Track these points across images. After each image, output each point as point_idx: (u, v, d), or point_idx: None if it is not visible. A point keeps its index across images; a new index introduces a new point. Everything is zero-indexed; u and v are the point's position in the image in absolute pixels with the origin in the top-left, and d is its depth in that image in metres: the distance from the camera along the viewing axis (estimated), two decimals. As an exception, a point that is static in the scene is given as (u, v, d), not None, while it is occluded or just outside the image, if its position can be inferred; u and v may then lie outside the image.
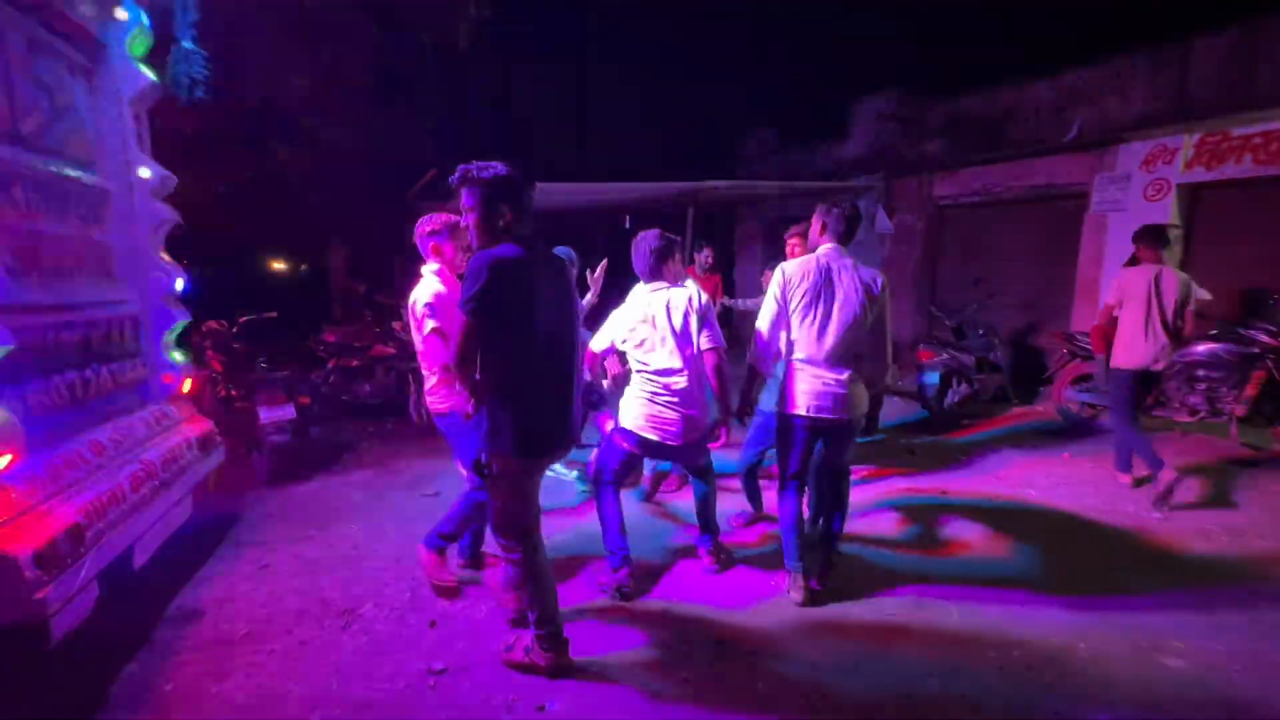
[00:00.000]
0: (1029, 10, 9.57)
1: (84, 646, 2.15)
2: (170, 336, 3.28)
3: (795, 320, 2.60)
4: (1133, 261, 4.11)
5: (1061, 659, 2.32)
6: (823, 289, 2.56)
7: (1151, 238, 3.90)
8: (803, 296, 2.57)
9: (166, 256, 3.24)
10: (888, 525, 3.51)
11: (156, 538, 2.70)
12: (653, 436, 2.74)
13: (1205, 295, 4.87)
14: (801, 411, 2.59)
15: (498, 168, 2.01)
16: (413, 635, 2.48)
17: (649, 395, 2.74)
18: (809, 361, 2.59)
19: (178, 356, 3.31)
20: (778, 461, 2.82)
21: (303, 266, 9.62)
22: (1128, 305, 3.85)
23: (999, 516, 3.62)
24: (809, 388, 2.58)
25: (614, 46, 12.54)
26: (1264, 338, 4.54)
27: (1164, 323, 3.75)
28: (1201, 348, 4.80)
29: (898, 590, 2.80)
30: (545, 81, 12.15)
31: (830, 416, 2.58)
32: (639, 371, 2.79)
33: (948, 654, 2.36)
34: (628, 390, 2.85)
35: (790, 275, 2.60)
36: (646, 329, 2.73)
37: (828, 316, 2.55)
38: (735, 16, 12.81)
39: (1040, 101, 7.18)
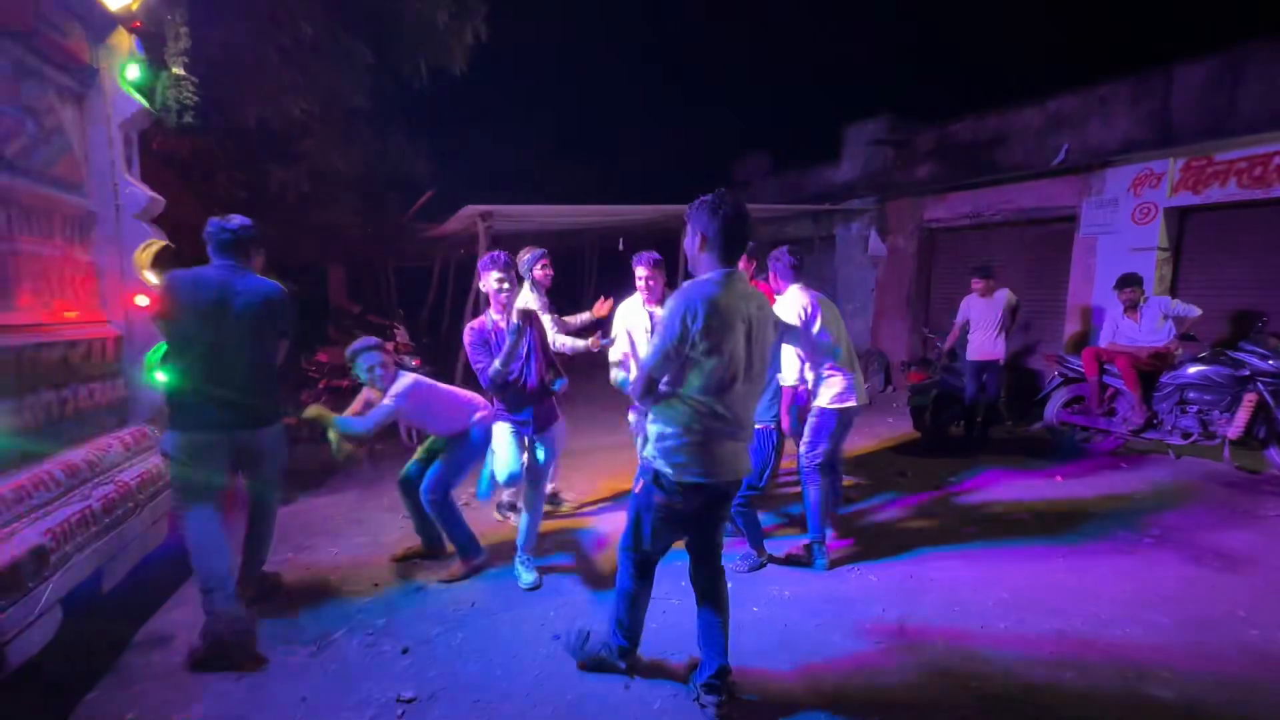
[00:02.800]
0: (1016, 38, 9.77)
1: (44, 674, 2.10)
2: (154, 357, 3.28)
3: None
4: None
5: (1046, 690, 2.26)
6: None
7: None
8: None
9: (152, 277, 3.25)
10: (876, 548, 3.46)
11: (128, 561, 2.66)
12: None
13: (1196, 312, 4.88)
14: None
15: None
16: (384, 662, 2.44)
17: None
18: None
19: (160, 377, 3.30)
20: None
21: (294, 286, 9.67)
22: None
23: (988, 540, 3.57)
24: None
25: (611, 71, 12.78)
26: (1254, 360, 4.53)
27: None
28: (1193, 370, 4.79)
29: (883, 614, 2.76)
30: (541, 105, 12.34)
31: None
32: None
33: (927, 684, 2.30)
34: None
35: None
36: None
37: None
38: (732, 43, 13.08)
39: (1028, 126, 7.28)
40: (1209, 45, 5.86)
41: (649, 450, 2.10)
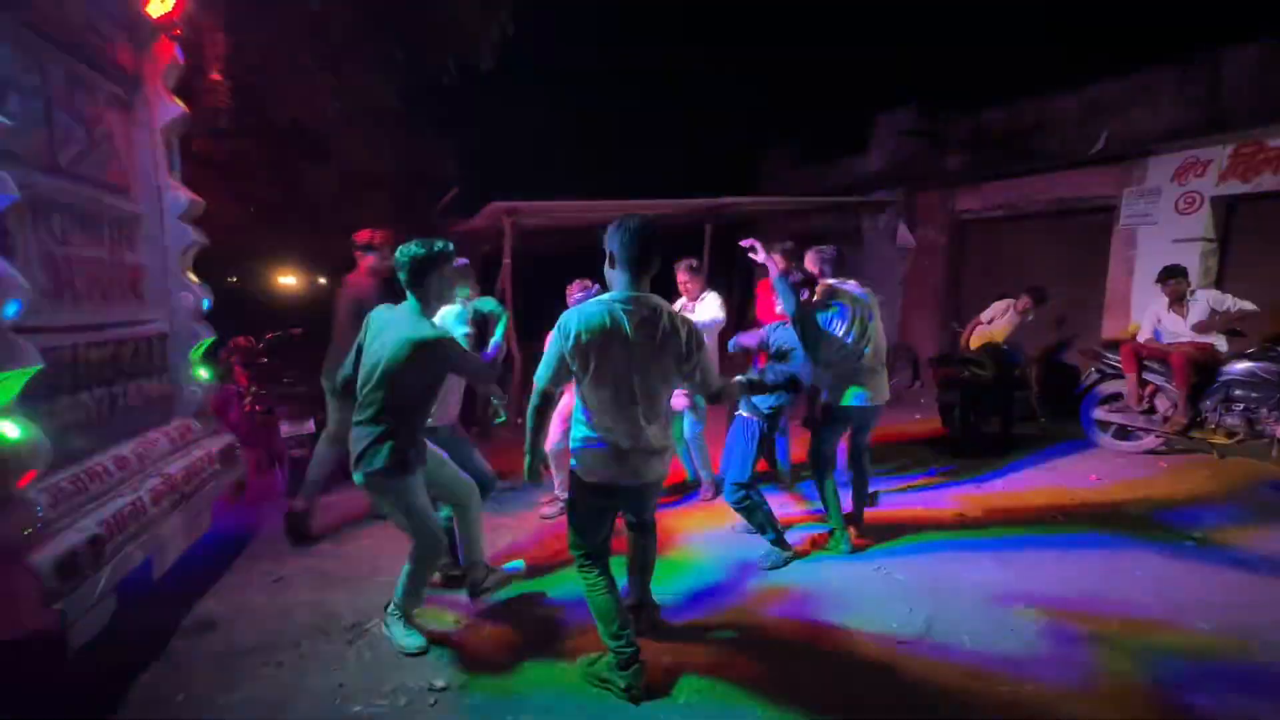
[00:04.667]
0: (1053, 22, 9.44)
1: (100, 657, 2.21)
2: (196, 353, 3.40)
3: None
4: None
5: (1080, 696, 2.22)
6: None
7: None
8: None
9: (193, 277, 3.37)
10: (903, 547, 3.43)
11: (176, 549, 2.78)
12: None
13: (1250, 307, 4.65)
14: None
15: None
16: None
17: None
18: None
19: (203, 373, 3.43)
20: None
21: (320, 280, 9.93)
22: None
23: (1020, 541, 3.51)
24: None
25: (636, 64, 12.73)
26: (1305, 356, 4.33)
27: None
28: (1239, 366, 4.61)
29: (910, 614, 2.74)
30: (566, 100, 12.36)
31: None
32: None
33: (955, 687, 2.28)
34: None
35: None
36: None
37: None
38: (757, 32, 12.90)
39: (1065, 114, 7.06)
40: (1261, 27, 5.59)
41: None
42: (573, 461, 2.24)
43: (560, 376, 2.12)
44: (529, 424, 2.23)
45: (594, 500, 2.24)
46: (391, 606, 2.54)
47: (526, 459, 2.27)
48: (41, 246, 2.36)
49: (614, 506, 2.32)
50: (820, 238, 3.75)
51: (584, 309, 2.08)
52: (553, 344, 2.09)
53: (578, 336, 2.02)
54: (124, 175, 2.98)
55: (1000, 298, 5.88)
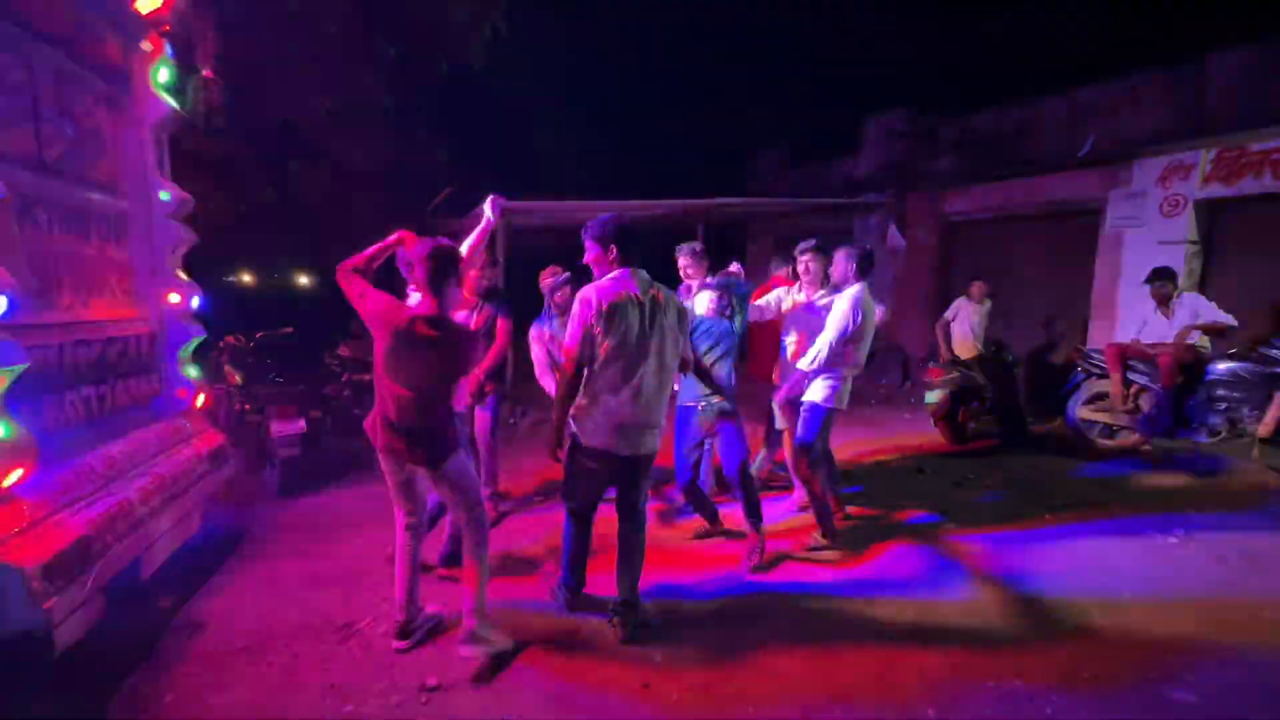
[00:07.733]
0: (1041, 27, 9.55)
1: (88, 657, 2.19)
2: (185, 352, 3.38)
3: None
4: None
5: (1064, 689, 2.26)
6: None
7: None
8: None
9: (183, 275, 3.34)
10: (890, 544, 3.46)
11: (165, 549, 2.76)
12: None
13: (1228, 320, 4.70)
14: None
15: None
16: (409, 650, 2.50)
17: None
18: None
19: (192, 372, 3.41)
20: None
21: (304, 280, 9.85)
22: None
23: (1006, 538, 3.55)
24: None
25: (628, 66, 12.75)
26: (1286, 357, 4.41)
27: None
28: (1221, 366, 4.69)
29: (901, 609, 2.76)
30: (559, 100, 12.36)
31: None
32: None
33: (947, 677, 2.31)
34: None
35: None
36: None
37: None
38: (749, 35, 12.96)
39: (1053, 117, 7.14)
40: (1244, 33, 5.69)
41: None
42: (573, 426, 2.50)
43: (588, 346, 2.38)
44: (563, 394, 2.46)
45: (590, 463, 2.50)
46: (479, 624, 2.40)
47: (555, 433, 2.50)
48: (28, 244, 2.34)
49: (607, 474, 2.54)
50: (811, 238, 3.75)
51: (599, 284, 2.44)
52: (575, 317, 2.39)
53: (599, 303, 2.35)
54: (112, 172, 2.95)
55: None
